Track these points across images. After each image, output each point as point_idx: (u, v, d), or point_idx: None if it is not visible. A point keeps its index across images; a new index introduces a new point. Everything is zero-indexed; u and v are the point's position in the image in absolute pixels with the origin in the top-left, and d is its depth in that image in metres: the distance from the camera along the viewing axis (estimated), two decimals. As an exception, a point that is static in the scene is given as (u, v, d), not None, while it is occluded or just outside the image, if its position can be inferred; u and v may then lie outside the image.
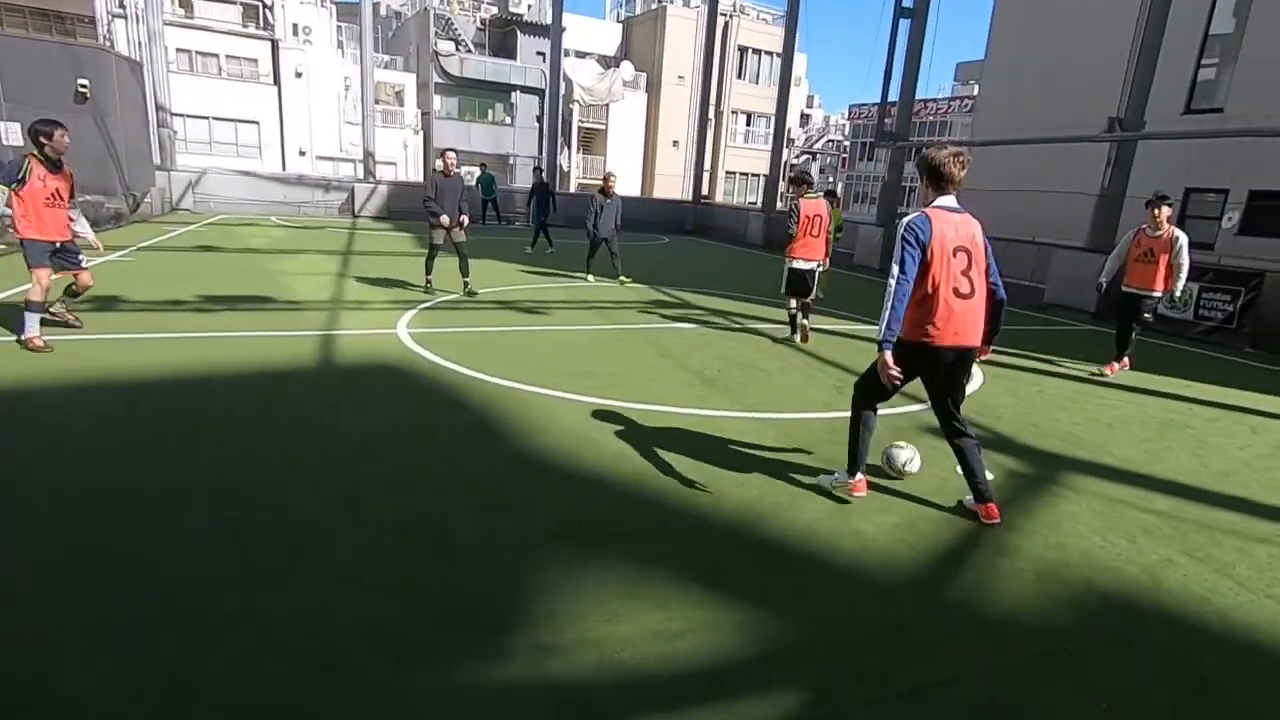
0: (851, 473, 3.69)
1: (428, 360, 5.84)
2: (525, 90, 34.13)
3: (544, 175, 16.59)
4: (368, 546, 2.96)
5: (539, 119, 33.78)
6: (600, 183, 11.43)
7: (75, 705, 2.03)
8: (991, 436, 4.90)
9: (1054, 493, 4.00)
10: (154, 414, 4.28)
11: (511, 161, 33.87)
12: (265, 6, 30.73)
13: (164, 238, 12.65)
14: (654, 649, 2.39)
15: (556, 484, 3.71)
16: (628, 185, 31.52)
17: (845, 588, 2.93)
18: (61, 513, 3.09)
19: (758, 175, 36.23)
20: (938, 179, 3.37)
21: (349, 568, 2.80)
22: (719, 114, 32.13)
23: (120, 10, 23.81)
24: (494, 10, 36.29)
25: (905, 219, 3.35)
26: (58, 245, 5.59)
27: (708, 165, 24.37)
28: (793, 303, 7.51)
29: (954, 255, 3.31)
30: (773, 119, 21.55)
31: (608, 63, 35.58)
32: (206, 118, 28.37)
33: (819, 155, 58.10)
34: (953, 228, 3.33)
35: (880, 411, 4.59)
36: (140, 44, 18.21)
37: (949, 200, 3.39)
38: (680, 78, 35.31)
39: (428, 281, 9.02)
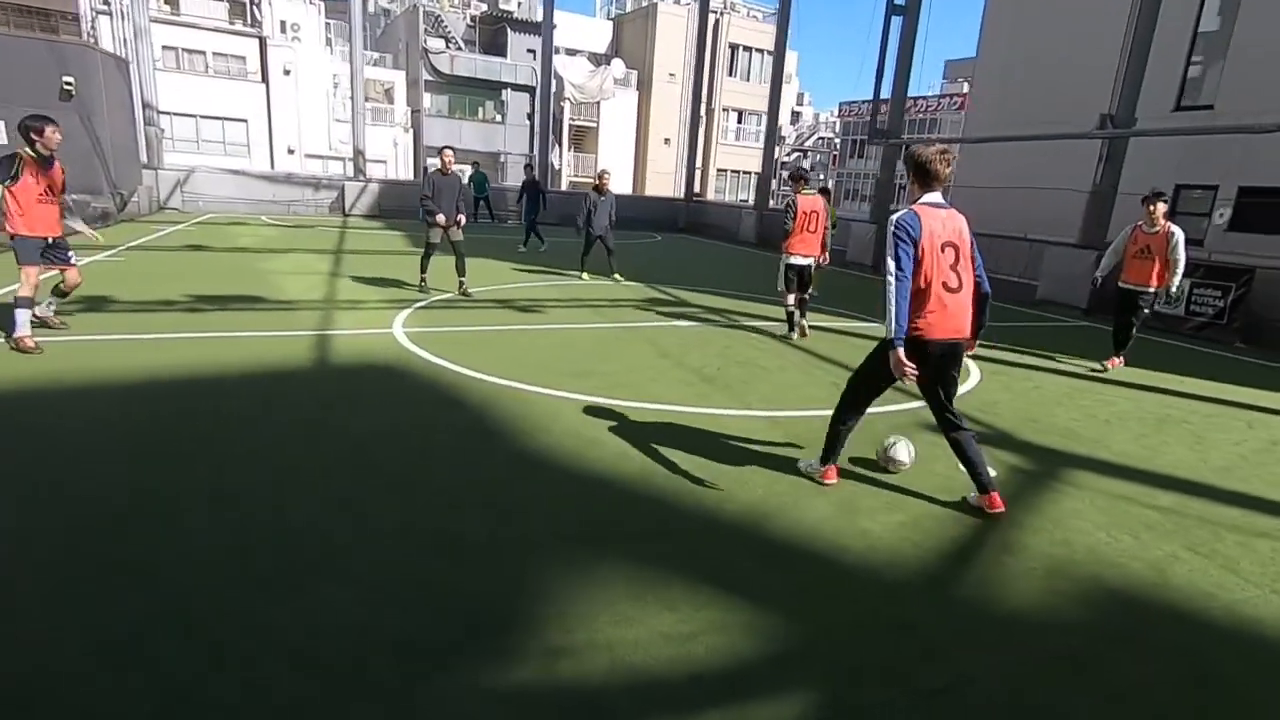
0: (824, 462, 3.82)
1: (424, 360, 5.79)
2: (516, 88, 34.02)
3: (535, 173, 16.50)
4: (370, 548, 2.92)
5: (530, 117, 33.69)
6: (594, 180, 11.39)
7: (75, 708, 2.00)
8: (992, 433, 4.90)
9: (1057, 489, 4.00)
10: (150, 415, 4.22)
11: (503, 159, 33.74)
12: (252, 3, 30.45)
13: (152, 237, 12.51)
14: (665, 651, 2.36)
15: (559, 484, 3.67)
16: (619, 183, 31.41)
17: (853, 587, 2.91)
18: (61, 514, 3.04)
19: (749, 173, 36.29)
20: (924, 176, 3.43)
21: (352, 570, 2.76)
22: (710, 111, 32.13)
23: (105, 7, 23.52)
24: (484, 7, 36.15)
25: (894, 217, 3.39)
26: (49, 241, 5.53)
27: (699, 163, 24.34)
28: (790, 299, 7.51)
29: (942, 251, 3.37)
30: (764, 117, 21.58)
31: (599, 60, 35.50)
32: (194, 116, 28.12)
33: (810, 153, 58.21)
34: (940, 223, 3.39)
35: (880, 410, 4.61)
36: (126, 41, 17.97)
37: (935, 196, 3.46)
38: (671, 75, 35.28)
39: (422, 280, 8.95)
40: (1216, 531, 3.59)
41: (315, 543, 2.95)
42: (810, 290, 7.74)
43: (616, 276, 11.03)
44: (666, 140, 36.26)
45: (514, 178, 29.27)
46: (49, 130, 5.35)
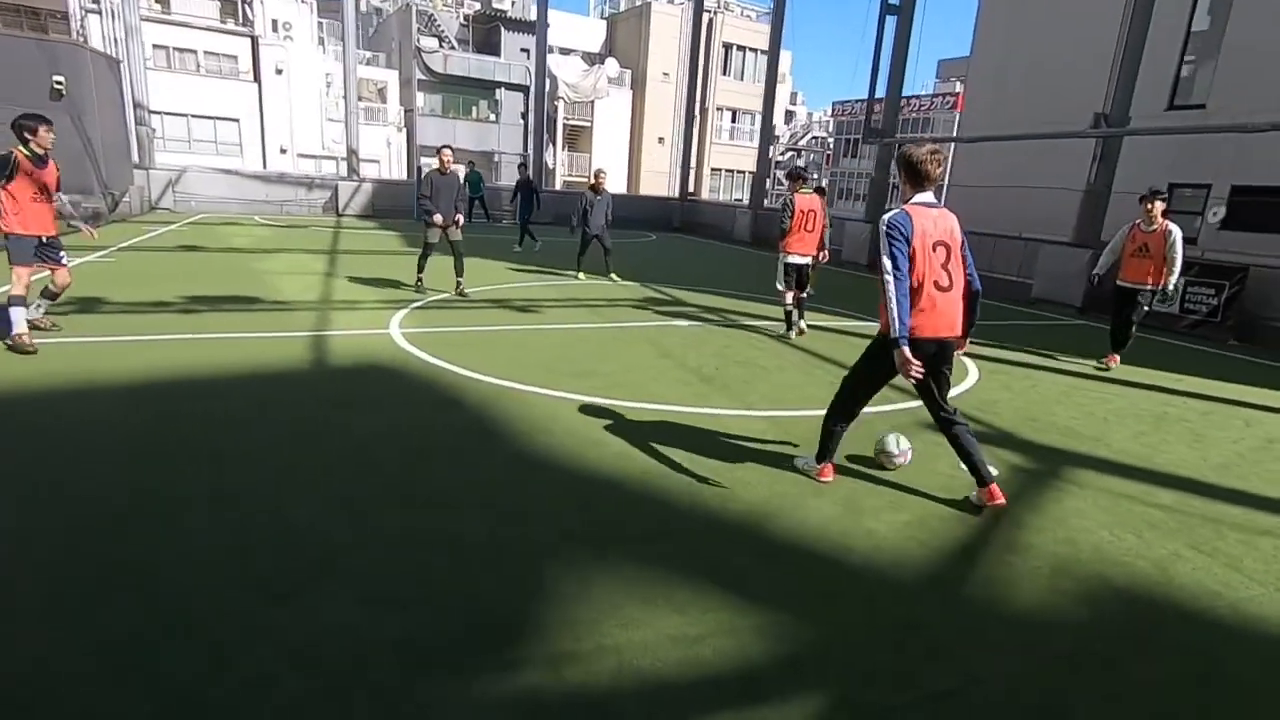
0: (820, 460, 3.85)
1: (422, 360, 5.75)
2: (510, 87, 33.92)
3: (529, 172, 16.44)
4: (370, 549, 2.90)
5: (524, 116, 33.60)
6: (590, 180, 11.36)
7: (75, 708, 1.98)
8: (992, 432, 4.90)
9: (1059, 488, 4.00)
10: (148, 417, 4.18)
11: (497, 159, 33.65)
12: (244, 2, 30.26)
13: (144, 238, 12.41)
14: (674, 655, 2.34)
15: (561, 485, 3.65)
16: (614, 183, 31.39)
17: (861, 587, 2.89)
18: (61, 514, 3.02)
19: (743, 172, 36.32)
20: (916, 176, 3.46)
21: (352, 570, 2.73)
22: (704, 111, 32.14)
23: (94, 5, 23.32)
24: (477, 6, 36.04)
25: (886, 217, 3.42)
26: (42, 240, 5.49)
27: (693, 162, 24.33)
28: (788, 298, 7.52)
29: (933, 250, 3.40)
30: (757, 116, 21.58)
31: (592, 60, 35.45)
32: (185, 115, 27.92)
33: (803, 152, 58.29)
34: (931, 222, 3.42)
35: (880, 409, 4.62)
36: (116, 40, 17.83)
37: (927, 196, 3.49)
38: (665, 74, 35.26)
39: (418, 280, 8.89)
40: (1219, 530, 3.59)
41: (315, 543, 2.92)
42: (808, 289, 7.76)
43: (613, 276, 11.00)
44: (660, 139, 36.23)
45: (508, 177, 29.19)
46: (42, 129, 5.36)
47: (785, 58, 35.01)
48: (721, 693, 2.20)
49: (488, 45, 34.92)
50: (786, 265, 7.47)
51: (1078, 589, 2.96)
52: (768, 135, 20.82)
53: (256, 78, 29.50)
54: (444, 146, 8.70)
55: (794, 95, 59.49)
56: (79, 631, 2.29)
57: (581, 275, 11.03)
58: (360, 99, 25.29)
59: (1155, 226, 6.82)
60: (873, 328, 3.44)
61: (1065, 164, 13.61)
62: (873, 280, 3.58)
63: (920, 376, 3.34)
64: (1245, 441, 5.11)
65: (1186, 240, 7.36)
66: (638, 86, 35.84)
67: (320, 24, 32.53)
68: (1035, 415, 5.38)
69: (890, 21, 15.26)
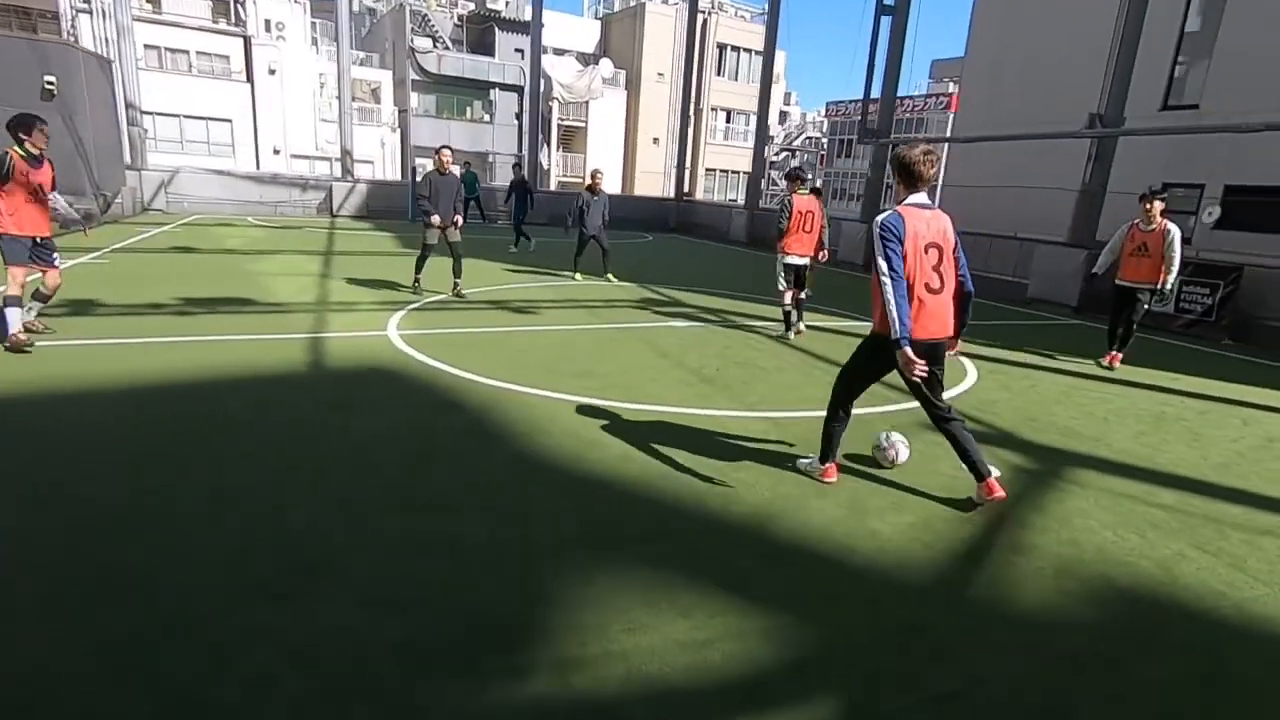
0: (823, 460, 3.84)
1: (420, 362, 5.71)
2: (504, 87, 33.86)
3: (523, 173, 16.40)
4: (370, 550, 2.87)
5: (518, 116, 33.55)
6: (587, 180, 11.33)
7: (75, 709, 1.98)
8: (992, 432, 4.91)
9: (1061, 488, 4.00)
10: (147, 419, 4.15)
11: (491, 159, 33.57)
12: (236, 2, 30.12)
13: (137, 239, 12.32)
14: (681, 659, 2.32)
15: (562, 487, 3.63)
16: (608, 183, 31.38)
17: (865, 589, 2.88)
18: (61, 515, 3.01)
19: (737, 172, 36.33)
20: (909, 177, 3.47)
21: (352, 571, 2.71)
22: (698, 111, 32.12)
23: (84, 5, 23.17)
24: (471, 6, 35.96)
25: (879, 218, 3.42)
26: (36, 241, 5.47)
27: (688, 162, 24.34)
28: (787, 297, 7.52)
29: (925, 251, 3.41)
30: (752, 116, 21.59)
31: (587, 60, 35.42)
32: (177, 115, 27.76)
33: (798, 152, 58.39)
34: (925, 224, 3.42)
35: (880, 409, 4.62)
36: (108, 40, 17.71)
37: (920, 197, 3.49)
38: (660, 75, 35.26)
39: (416, 281, 8.84)
40: (1221, 529, 3.60)
41: (315, 544, 2.91)
42: (806, 291, 7.76)
43: (610, 277, 10.98)
44: (655, 140, 36.24)
45: (502, 177, 29.16)
46: (37, 129, 5.32)
47: (780, 58, 34.99)
48: (729, 698, 2.19)
49: (482, 45, 34.85)
50: (785, 266, 7.49)
51: (1082, 589, 2.96)
52: (763, 135, 20.84)
53: (249, 78, 29.36)
54: (443, 147, 8.65)
55: (788, 95, 59.58)
56: (79, 631, 2.28)
57: (578, 276, 11.00)
58: (354, 99, 25.20)
59: (1154, 226, 6.85)
60: (870, 327, 3.45)
61: (1061, 164, 13.66)
62: (867, 280, 3.59)
63: (925, 375, 3.35)
64: (1244, 441, 5.13)
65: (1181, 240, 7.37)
66: (632, 87, 35.84)
67: (313, 24, 32.42)
68: (1035, 415, 5.38)
69: (885, 22, 15.28)
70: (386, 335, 6.56)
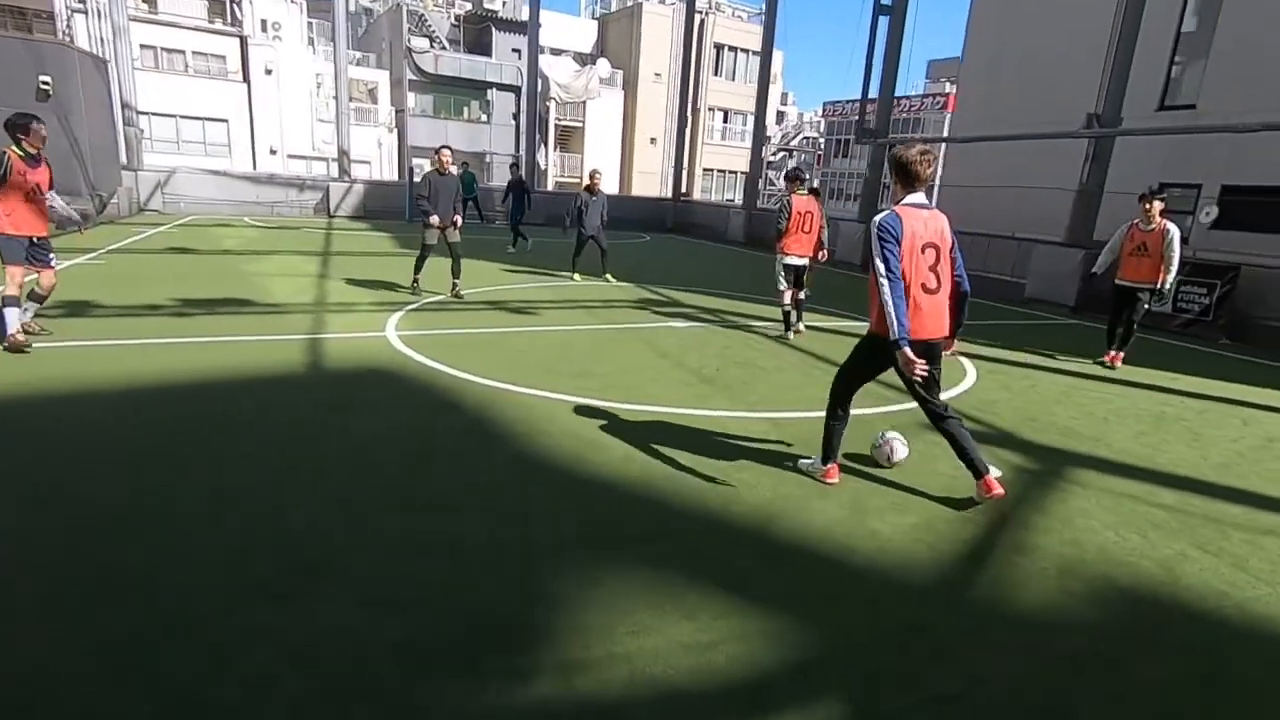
0: (825, 461, 3.82)
1: (420, 363, 5.70)
2: (501, 87, 33.82)
3: (521, 173, 16.37)
4: (370, 551, 2.87)
5: (515, 116, 33.52)
6: (586, 180, 11.32)
7: (75, 709, 1.98)
8: (992, 432, 4.91)
9: (1062, 488, 4.00)
10: (146, 419, 4.13)
11: (488, 159, 33.53)
12: (232, 2, 30.05)
13: (134, 240, 12.28)
14: (686, 662, 2.31)
15: (563, 488, 3.62)
16: (606, 183, 31.39)
17: (866, 589, 2.88)
18: (61, 514, 3.00)
19: (735, 172, 36.35)
20: (907, 177, 3.47)
21: (352, 572, 2.70)
22: (695, 111, 32.13)
23: (79, 5, 23.08)
24: (468, 6, 35.92)
25: (876, 219, 3.43)
26: (32, 241, 5.45)
27: (686, 162, 24.34)
28: (786, 297, 7.52)
29: (922, 252, 3.42)
30: (749, 116, 21.61)
31: (584, 60, 35.40)
32: (173, 116, 27.66)
33: (795, 152, 58.44)
34: (922, 224, 3.43)
35: (879, 410, 4.62)
36: (104, 40, 17.64)
37: (918, 197, 3.49)
38: (657, 75, 35.25)
39: (415, 282, 8.81)
40: (1222, 529, 3.60)
41: (315, 544, 2.90)
42: (805, 291, 7.77)
43: (608, 277, 10.97)
44: (652, 140, 36.23)
45: (499, 178, 29.10)
46: (34, 127, 5.32)
47: (777, 58, 35.01)
48: (733, 701, 2.18)
49: (479, 45, 34.80)
50: (785, 267, 7.49)
51: (1084, 590, 2.96)
52: (760, 135, 20.84)
53: (245, 78, 29.28)
54: (443, 147, 8.62)
55: (785, 96, 59.67)
56: (79, 632, 2.28)
57: (577, 276, 10.99)
58: (350, 99, 25.14)
59: (1154, 226, 6.86)
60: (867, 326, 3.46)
61: (1058, 164, 13.68)
62: (866, 280, 3.60)
63: (926, 375, 3.35)
64: (1244, 440, 5.13)
65: (1178, 240, 7.37)
66: (629, 87, 35.83)
67: (310, 24, 32.35)
68: (1035, 415, 5.38)
69: (883, 22, 15.30)
70: (385, 336, 6.54)
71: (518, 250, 14.06)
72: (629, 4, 36.11)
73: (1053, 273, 11.67)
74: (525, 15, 23.41)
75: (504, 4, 35.29)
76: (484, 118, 34.23)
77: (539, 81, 23.07)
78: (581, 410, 4.77)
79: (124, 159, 16.62)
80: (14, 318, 5.28)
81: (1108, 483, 4.13)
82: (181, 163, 21.22)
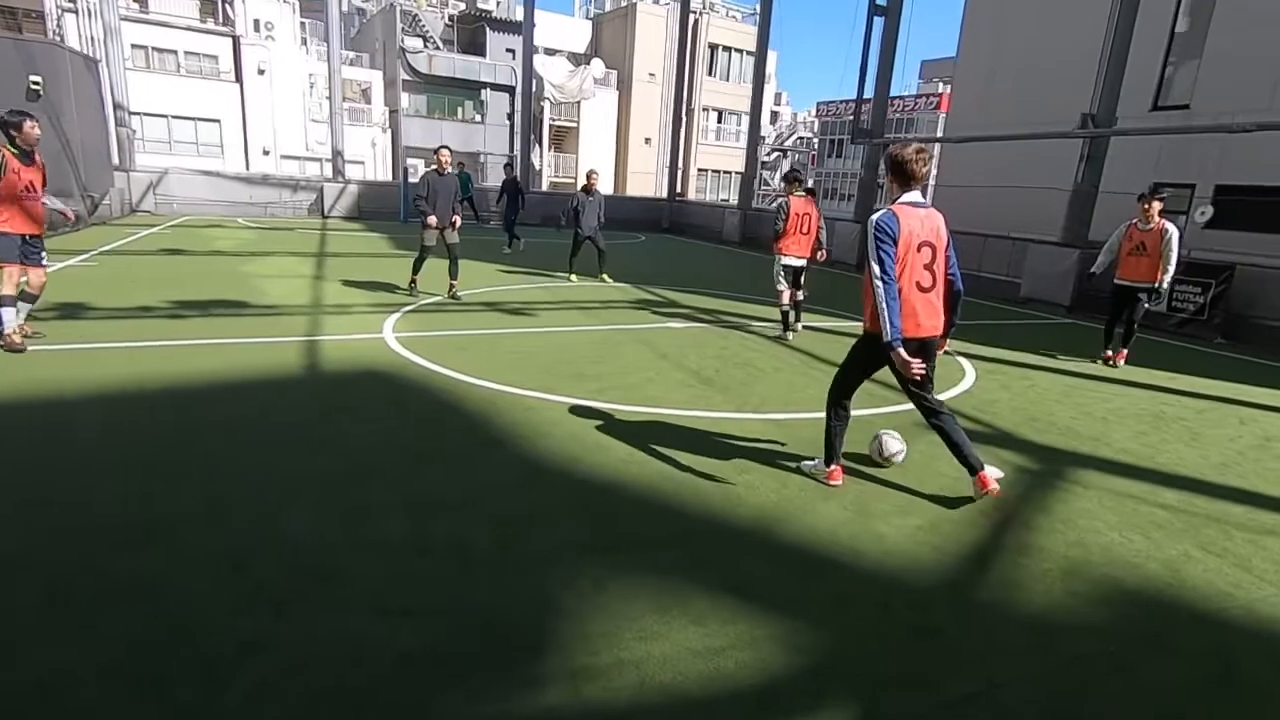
0: (828, 462, 3.81)
1: (418, 365, 5.66)
2: (495, 88, 33.73)
3: (515, 173, 16.32)
4: (371, 557, 2.83)
5: (510, 117, 33.44)
6: (583, 181, 11.29)
7: None
8: (993, 433, 4.90)
9: (1065, 489, 3.99)
10: (142, 424, 4.08)
11: (483, 160, 33.45)
12: (225, 1, 29.87)
13: (126, 241, 12.19)
14: (695, 668, 2.29)
15: (566, 491, 3.59)
16: (601, 183, 31.35)
17: (874, 593, 2.86)
18: (55, 524, 2.93)
19: (729, 172, 36.36)
20: (903, 176, 3.48)
21: (355, 582, 2.66)
22: (690, 111, 32.12)
23: (70, 4, 22.90)
24: (462, 6, 35.82)
25: (873, 218, 3.43)
26: (25, 239, 5.41)
27: (680, 162, 24.31)
28: (785, 298, 7.52)
29: (918, 250, 3.43)
30: (743, 116, 21.60)
31: (578, 60, 35.34)
32: (165, 116, 27.48)
33: (789, 152, 58.52)
34: (918, 222, 3.44)
35: (879, 410, 4.60)
36: (95, 39, 17.51)
37: (914, 195, 3.50)
38: (651, 75, 35.22)
39: (412, 283, 8.77)
40: (1225, 530, 3.60)
41: (314, 551, 2.86)
42: (803, 292, 7.77)
43: (605, 277, 10.94)
44: (647, 140, 36.19)
45: (494, 178, 29.02)
46: (27, 125, 5.29)
47: (771, 58, 35.03)
48: (743, 707, 2.16)
49: (473, 46, 34.71)
50: (784, 267, 7.49)
51: (1090, 591, 2.95)
52: (755, 135, 20.84)
53: (238, 78, 29.11)
54: (442, 147, 8.58)
55: (779, 96, 59.75)
56: (76, 642, 2.24)
57: (573, 277, 10.96)
58: (344, 100, 25.01)
59: (1152, 225, 6.88)
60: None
61: (1053, 164, 13.70)
62: (861, 280, 3.61)
63: (922, 374, 3.35)
64: (1243, 440, 5.15)
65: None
66: (623, 87, 35.79)
67: (303, 24, 32.16)
68: (1035, 415, 5.39)
69: (878, 22, 15.32)
70: (383, 338, 6.50)
71: (513, 250, 14.01)
72: (623, 4, 36.06)
73: (1048, 272, 11.69)
74: (519, 15, 23.36)
75: (498, 4, 35.20)
76: (478, 118, 34.13)
77: (533, 82, 23.02)
78: (582, 412, 4.74)
79: (116, 160, 16.51)
80: (10, 317, 5.25)
81: (1110, 483, 4.13)
82: (174, 163, 21.07)
